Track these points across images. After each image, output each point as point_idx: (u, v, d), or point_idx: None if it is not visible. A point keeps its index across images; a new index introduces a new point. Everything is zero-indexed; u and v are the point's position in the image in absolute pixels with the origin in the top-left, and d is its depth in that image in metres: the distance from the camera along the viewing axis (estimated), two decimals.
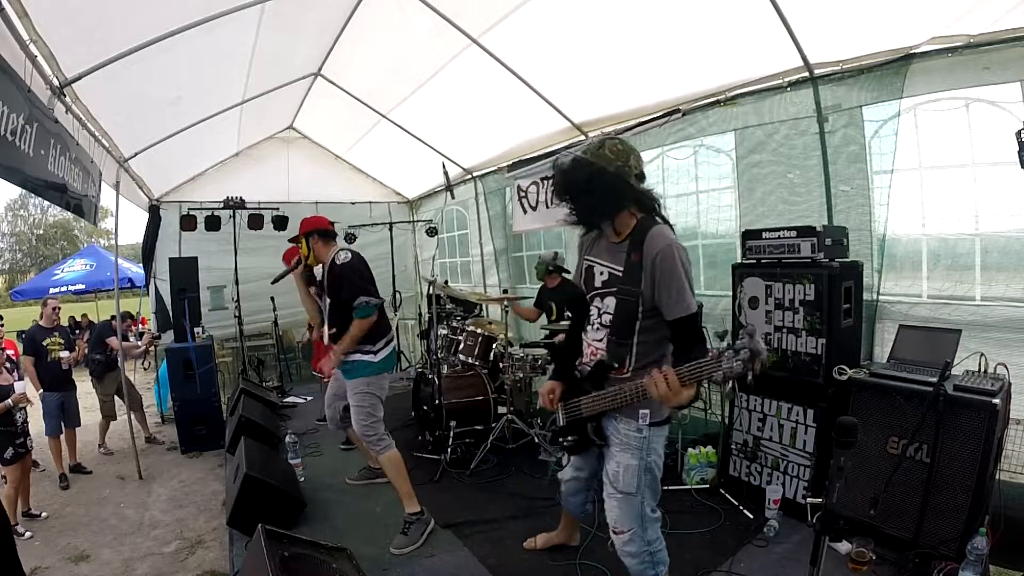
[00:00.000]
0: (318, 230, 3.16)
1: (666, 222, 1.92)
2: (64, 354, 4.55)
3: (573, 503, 2.49)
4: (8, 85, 2.22)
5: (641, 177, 1.94)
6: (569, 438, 2.09)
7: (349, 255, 3.06)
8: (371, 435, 3.01)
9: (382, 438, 3.03)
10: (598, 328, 1.96)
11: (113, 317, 5.46)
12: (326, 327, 3.14)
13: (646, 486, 1.93)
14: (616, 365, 1.90)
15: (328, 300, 3.12)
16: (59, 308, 4.85)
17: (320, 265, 3.22)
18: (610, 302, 1.91)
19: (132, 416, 5.02)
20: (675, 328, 1.81)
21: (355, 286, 2.96)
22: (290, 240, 3.35)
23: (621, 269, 1.88)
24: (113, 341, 5.01)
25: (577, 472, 2.31)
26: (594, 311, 1.99)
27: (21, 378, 3.97)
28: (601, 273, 1.96)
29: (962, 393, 2.38)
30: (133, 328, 5.73)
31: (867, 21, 2.80)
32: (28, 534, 3.60)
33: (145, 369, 8.97)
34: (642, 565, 1.99)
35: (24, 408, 3.70)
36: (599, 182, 1.82)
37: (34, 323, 4.80)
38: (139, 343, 5.89)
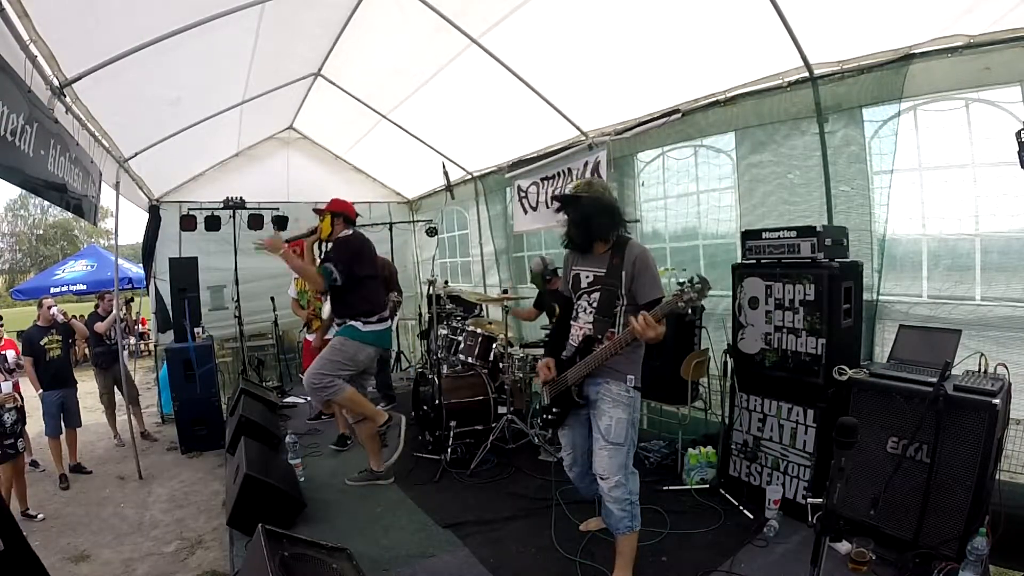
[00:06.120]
0: (345, 215, 3.51)
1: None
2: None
3: (589, 488, 2.59)
4: (8, 85, 2.22)
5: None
6: (553, 411, 2.49)
7: (351, 231, 3.42)
8: (316, 384, 3.16)
9: (327, 387, 3.17)
10: (589, 313, 2.39)
11: (103, 313, 5.57)
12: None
13: (631, 440, 2.32)
14: (600, 337, 2.32)
15: None
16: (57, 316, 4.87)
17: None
18: (596, 295, 2.37)
19: (131, 412, 5.03)
20: (648, 307, 2.20)
21: (334, 257, 3.27)
22: (315, 211, 3.69)
23: (604, 271, 2.35)
24: (99, 325, 5.28)
25: (571, 450, 2.57)
26: (583, 304, 2.44)
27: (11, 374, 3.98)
28: (587, 277, 2.43)
29: (962, 393, 2.38)
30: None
31: (867, 21, 2.80)
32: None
33: (150, 357, 8.92)
34: (623, 513, 2.32)
35: (13, 409, 3.69)
36: (605, 212, 2.37)
37: (32, 324, 4.81)
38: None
